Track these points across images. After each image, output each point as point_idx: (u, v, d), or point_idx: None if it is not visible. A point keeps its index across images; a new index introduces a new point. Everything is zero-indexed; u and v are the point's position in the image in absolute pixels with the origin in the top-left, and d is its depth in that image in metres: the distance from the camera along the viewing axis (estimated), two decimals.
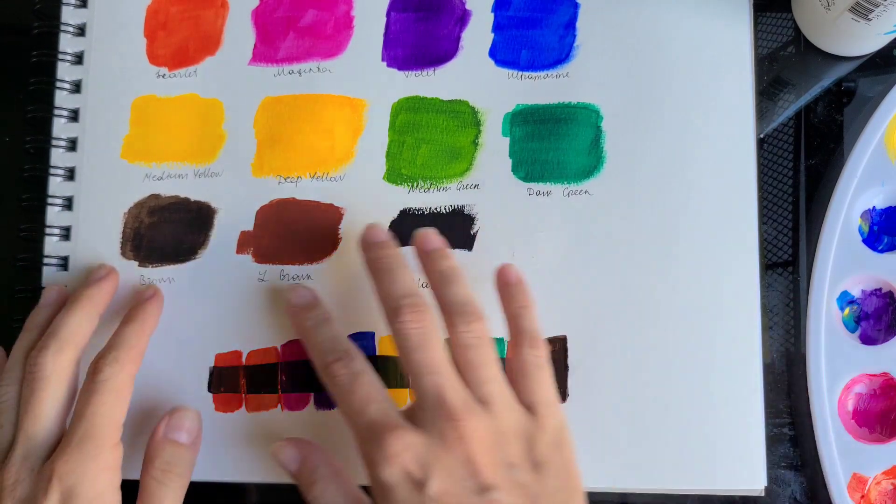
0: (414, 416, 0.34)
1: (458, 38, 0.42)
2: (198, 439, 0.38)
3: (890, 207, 0.39)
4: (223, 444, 0.40)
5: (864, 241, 0.39)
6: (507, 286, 0.37)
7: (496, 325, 0.39)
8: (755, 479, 0.37)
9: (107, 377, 0.36)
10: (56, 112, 0.43)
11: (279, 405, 0.40)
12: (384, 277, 0.36)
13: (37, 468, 0.35)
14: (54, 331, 0.37)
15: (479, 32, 0.42)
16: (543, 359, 0.36)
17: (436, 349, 0.34)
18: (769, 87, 0.41)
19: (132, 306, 0.40)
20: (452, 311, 0.35)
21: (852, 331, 0.39)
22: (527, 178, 0.40)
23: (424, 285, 0.38)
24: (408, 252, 0.40)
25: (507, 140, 0.41)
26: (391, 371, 0.40)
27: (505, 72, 0.41)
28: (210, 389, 0.40)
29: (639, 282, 0.39)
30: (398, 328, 0.35)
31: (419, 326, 0.34)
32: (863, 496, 0.37)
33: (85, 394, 0.36)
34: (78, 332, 0.38)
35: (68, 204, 0.43)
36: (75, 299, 0.39)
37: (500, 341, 0.39)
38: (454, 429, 0.32)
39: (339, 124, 0.42)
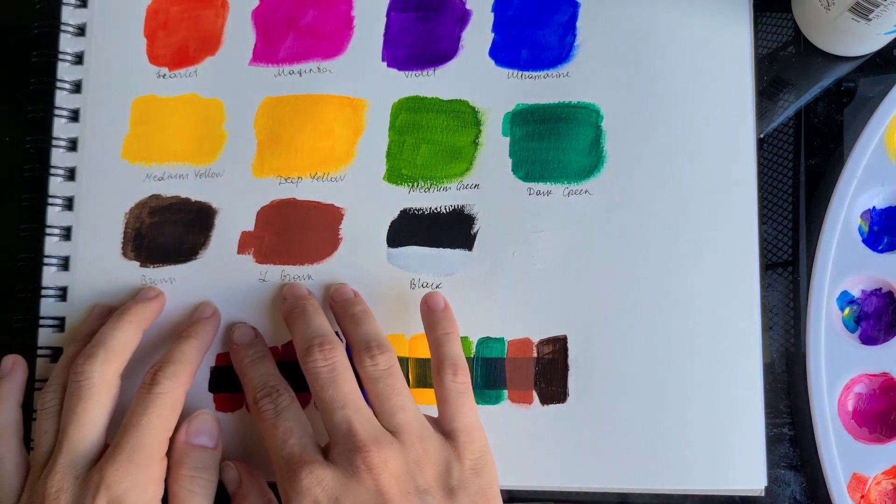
0: (328, 453, 0.35)
1: (458, 38, 0.42)
2: (220, 441, 0.38)
3: (890, 207, 0.40)
4: (224, 444, 0.40)
5: (864, 241, 0.39)
6: (432, 313, 0.38)
7: (498, 325, 0.39)
8: (755, 479, 0.37)
9: (165, 390, 0.36)
10: (56, 112, 0.43)
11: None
12: (299, 323, 0.38)
13: (81, 477, 0.35)
14: (102, 341, 0.37)
15: (479, 32, 0.42)
16: (465, 385, 0.37)
17: (345, 384, 0.35)
18: (769, 87, 0.41)
19: (191, 323, 0.40)
20: (359, 347, 0.37)
21: (852, 331, 0.39)
22: (527, 177, 0.40)
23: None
24: (405, 253, 0.40)
25: (507, 140, 0.41)
26: None
27: (505, 71, 0.41)
28: (210, 389, 0.40)
29: (639, 282, 0.39)
30: (309, 367, 0.36)
31: (328, 363, 0.36)
32: (863, 496, 0.37)
33: (140, 404, 0.36)
34: (125, 344, 0.38)
35: (68, 204, 0.43)
36: (123, 313, 0.39)
37: (500, 341, 0.39)
38: (363, 461, 0.33)
39: (339, 124, 0.42)
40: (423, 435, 0.35)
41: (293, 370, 0.40)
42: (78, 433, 0.36)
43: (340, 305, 0.39)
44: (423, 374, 0.40)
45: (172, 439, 0.37)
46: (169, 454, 0.36)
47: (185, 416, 0.38)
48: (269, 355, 0.39)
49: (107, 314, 0.40)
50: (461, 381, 0.36)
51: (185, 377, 0.37)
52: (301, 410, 0.37)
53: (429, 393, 0.39)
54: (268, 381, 0.37)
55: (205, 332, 0.40)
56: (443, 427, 0.36)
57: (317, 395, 0.36)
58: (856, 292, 0.39)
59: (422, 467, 0.34)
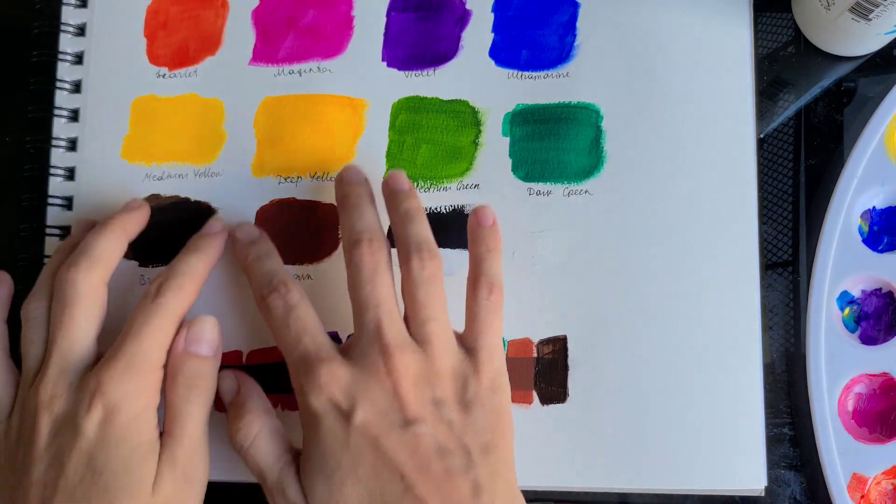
0: (349, 351, 0.34)
1: (458, 38, 0.42)
2: (219, 350, 0.37)
3: (890, 207, 0.40)
4: (223, 444, 0.40)
5: (864, 241, 0.39)
6: (479, 228, 0.37)
7: (507, 325, 0.39)
8: (755, 479, 0.37)
9: (168, 302, 0.36)
10: (56, 112, 0.43)
11: (279, 405, 0.40)
12: (351, 212, 0.36)
13: (75, 383, 0.34)
14: (85, 249, 0.37)
15: (479, 32, 0.42)
16: (498, 305, 0.36)
17: (384, 285, 0.35)
18: (769, 87, 0.41)
19: (198, 236, 0.39)
20: (409, 248, 0.35)
21: (852, 331, 0.39)
22: (527, 177, 0.40)
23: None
24: None
25: (507, 140, 0.41)
26: None
27: (505, 72, 0.41)
28: None
29: (639, 282, 0.39)
30: (353, 259, 0.35)
31: (373, 260, 0.35)
32: (863, 496, 0.37)
33: (142, 314, 0.35)
34: (108, 252, 0.37)
35: (68, 204, 0.43)
36: (107, 222, 0.38)
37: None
38: (385, 362, 0.33)
39: (339, 124, 0.42)
40: (448, 348, 0.35)
41: None
42: (67, 340, 0.35)
43: (393, 196, 0.37)
44: None
45: (171, 348, 0.36)
46: (166, 364, 0.36)
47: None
48: (275, 253, 0.38)
49: (91, 226, 0.39)
50: (495, 299, 0.36)
51: (190, 290, 0.37)
52: (312, 307, 0.36)
53: None
54: (275, 277, 0.36)
55: (212, 246, 0.39)
56: (466, 342, 0.36)
57: (353, 290, 0.35)
58: (856, 292, 0.39)
59: (441, 379, 0.34)
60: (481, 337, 0.35)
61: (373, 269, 0.35)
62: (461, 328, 0.38)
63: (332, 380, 0.33)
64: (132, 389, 0.34)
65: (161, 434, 0.35)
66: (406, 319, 0.35)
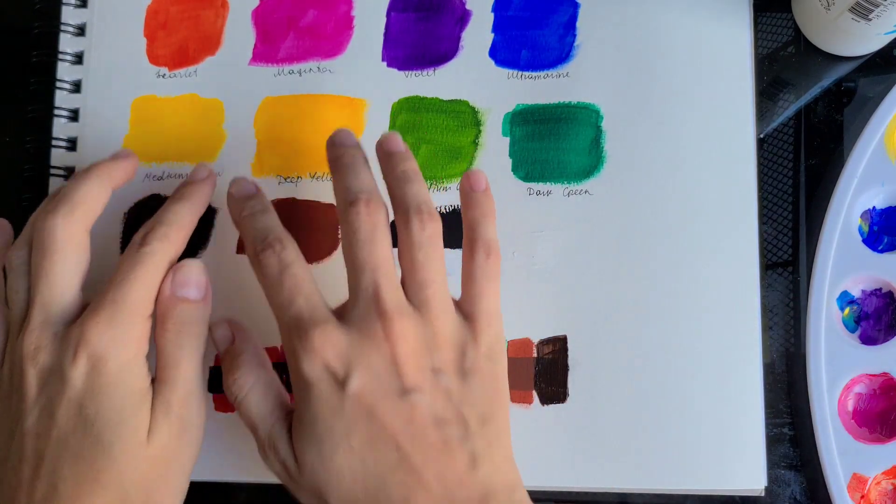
0: (345, 314, 0.33)
1: (458, 38, 0.42)
2: (208, 293, 0.36)
3: (890, 207, 0.40)
4: (223, 444, 0.40)
5: (864, 241, 0.39)
6: (472, 192, 0.36)
7: (507, 325, 0.39)
8: (755, 479, 0.37)
9: (154, 251, 0.34)
10: (56, 112, 0.43)
11: None
12: (346, 173, 0.35)
13: (60, 333, 0.33)
14: (65, 195, 0.35)
15: (479, 32, 0.42)
16: (495, 269, 0.35)
17: (382, 247, 0.33)
18: (769, 87, 0.41)
19: (184, 184, 0.38)
20: (408, 209, 0.34)
21: (852, 331, 0.39)
22: (527, 177, 0.40)
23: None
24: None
25: (507, 140, 0.41)
26: None
27: (505, 72, 0.41)
28: (210, 389, 0.40)
29: (639, 281, 0.39)
30: (350, 219, 0.33)
31: (371, 221, 0.33)
32: (863, 496, 0.37)
33: (127, 262, 0.34)
34: (91, 198, 0.36)
35: None
36: (90, 168, 0.37)
37: None
38: (383, 328, 0.32)
39: (339, 124, 0.41)
40: (447, 314, 0.34)
41: None
42: (48, 289, 0.34)
43: (389, 158, 0.36)
44: None
45: (159, 292, 0.35)
46: (155, 310, 0.35)
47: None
48: (271, 209, 0.36)
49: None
50: (493, 263, 0.34)
51: (177, 239, 0.36)
52: (308, 266, 0.34)
53: None
54: (270, 233, 0.34)
55: (199, 193, 0.38)
56: (464, 308, 0.34)
57: (349, 252, 0.34)
58: (856, 292, 0.39)
59: (439, 346, 0.33)
60: (479, 302, 0.34)
61: (371, 230, 0.33)
62: None
63: (327, 344, 0.32)
64: (118, 338, 0.33)
65: (153, 382, 0.34)
66: (403, 283, 0.34)
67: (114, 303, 0.33)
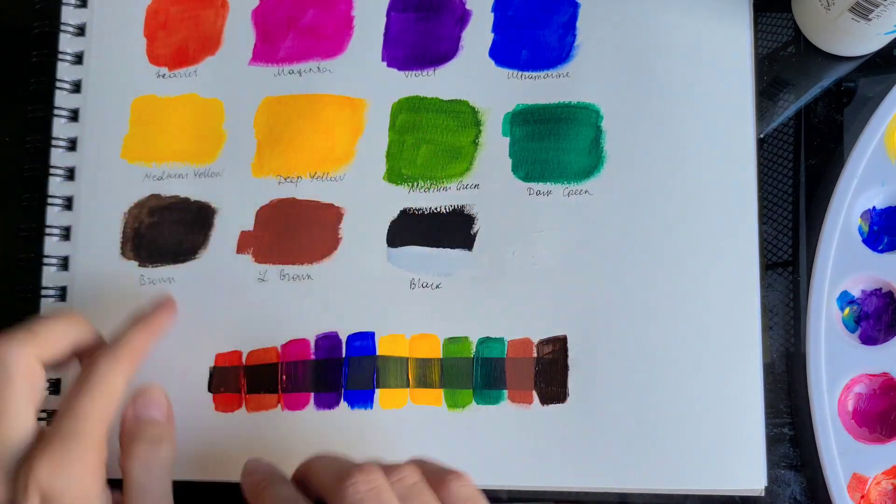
0: None
1: (458, 38, 0.42)
2: (171, 415, 0.36)
3: (890, 207, 0.39)
4: (223, 444, 0.40)
5: (864, 241, 0.39)
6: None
7: (498, 325, 0.39)
8: (755, 479, 0.37)
9: (102, 375, 0.34)
10: (56, 112, 0.43)
11: (279, 405, 0.40)
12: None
13: (13, 472, 0.32)
14: (28, 325, 0.35)
15: (479, 32, 0.42)
16: (473, 489, 0.31)
17: None
18: (769, 87, 0.41)
19: (144, 311, 0.38)
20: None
21: (852, 331, 0.39)
22: (527, 177, 0.40)
23: None
24: (405, 252, 0.40)
25: (507, 140, 0.41)
26: (391, 371, 0.40)
27: (505, 72, 0.41)
28: (210, 389, 0.40)
29: (639, 282, 0.39)
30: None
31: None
32: (863, 496, 0.37)
33: (75, 390, 0.34)
34: (51, 329, 0.35)
35: (68, 204, 0.43)
36: (66, 311, 0.37)
37: (500, 341, 0.39)
38: None
39: (339, 124, 0.42)
40: None
41: (295, 370, 0.40)
42: (2, 426, 0.33)
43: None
44: (423, 373, 0.40)
45: (122, 420, 0.35)
46: (120, 437, 0.34)
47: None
48: (286, 480, 0.33)
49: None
50: (467, 482, 0.31)
51: (127, 364, 0.35)
52: None
53: (428, 393, 0.39)
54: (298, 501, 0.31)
55: (155, 320, 0.38)
56: None
57: None
58: (856, 292, 0.39)
59: None
60: None
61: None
62: (468, 332, 0.38)
63: None
64: (72, 475, 0.32)
65: None
66: None
67: (63, 436, 0.32)
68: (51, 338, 0.35)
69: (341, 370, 0.40)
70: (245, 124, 0.42)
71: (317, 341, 0.40)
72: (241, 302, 0.41)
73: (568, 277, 0.39)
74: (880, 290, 0.39)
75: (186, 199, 0.42)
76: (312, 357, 0.40)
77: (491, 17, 0.42)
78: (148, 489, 0.33)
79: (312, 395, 0.40)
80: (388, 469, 0.30)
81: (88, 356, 0.36)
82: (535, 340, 0.39)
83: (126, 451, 0.34)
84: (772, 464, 0.38)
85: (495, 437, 0.38)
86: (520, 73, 0.41)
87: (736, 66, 0.40)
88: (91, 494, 0.32)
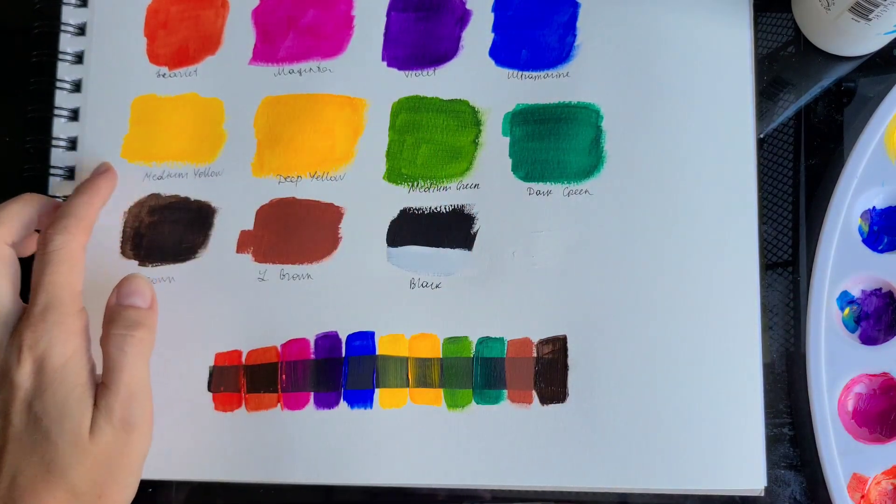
0: None
1: (458, 38, 0.42)
2: (154, 304, 0.38)
3: (890, 207, 0.39)
4: (223, 444, 0.40)
5: (864, 241, 0.39)
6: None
7: (497, 325, 0.39)
8: (755, 479, 0.37)
9: (58, 246, 0.36)
10: (56, 112, 0.43)
11: (279, 405, 0.40)
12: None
13: (5, 341, 0.36)
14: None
15: (479, 32, 0.42)
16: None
17: None
18: (769, 87, 0.41)
19: (85, 180, 0.40)
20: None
21: (852, 331, 0.39)
22: (527, 177, 0.40)
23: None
24: (405, 252, 0.40)
25: (507, 140, 0.41)
26: (391, 371, 0.40)
27: (505, 71, 0.41)
28: (210, 389, 0.40)
29: (638, 281, 0.39)
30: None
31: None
32: (863, 496, 0.37)
33: (38, 265, 0.36)
34: (15, 211, 0.38)
35: None
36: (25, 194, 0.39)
37: (500, 341, 0.39)
38: None
39: (339, 124, 0.42)
40: None
41: (295, 370, 0.40)
42: None
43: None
44: (423, 374, 0.40)
45: (107, 304, 0.37)
46: (103, 318, 0.37)
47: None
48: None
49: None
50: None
51: (78, 231, 0.37)
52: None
53: (428, 393, 0.39)
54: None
55: (97, 186, 0.40)
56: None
57: None
58: (856, 292, 0.39)
59: None
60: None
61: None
62: (468, 332, 0.38)
63: None
64: (55, 338, 0.35)
65: (101, 385, 0.36)
66: None
67: (40, 307, 0.36)
68: (14, 217, 0.38)
69: (341, 370, 0.40)
70: (245, 124, 0.42)
71: (316, 341, 0.40)
72: (241, 301, 0.41)
73: (568, 277, 0.39)
74: (880, 290, 0.39)
75: (186, 199, 0.42)
76: (312, 356, 0.40)
77: (491, 16, 0.42)
78: (122, 368, 0.36)
79: (312, 394, 0.40)
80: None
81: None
82: (535, 340, 0.39)
83: (105, 333, 0.37)
84: (772, 464, 0.38)
85: (495, 436, 0.38)
86: (520, 72, 0.41)
87: (736, 66, 0.40)
88: (75, 355, 0.36)
